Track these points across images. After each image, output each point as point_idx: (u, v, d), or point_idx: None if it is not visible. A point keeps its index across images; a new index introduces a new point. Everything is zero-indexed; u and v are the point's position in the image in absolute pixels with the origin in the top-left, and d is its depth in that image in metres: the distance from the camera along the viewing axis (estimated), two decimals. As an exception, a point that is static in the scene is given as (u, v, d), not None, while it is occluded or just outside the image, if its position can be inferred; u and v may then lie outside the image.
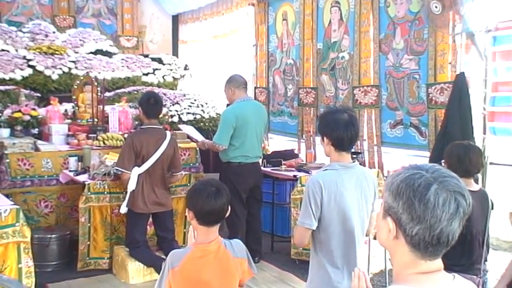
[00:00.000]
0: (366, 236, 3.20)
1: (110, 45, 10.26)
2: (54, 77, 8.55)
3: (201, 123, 7.93)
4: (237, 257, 2.77)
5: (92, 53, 9.70)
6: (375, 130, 6.66)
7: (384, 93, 6.53)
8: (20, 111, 6.62)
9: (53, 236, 5.64)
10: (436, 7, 5.39)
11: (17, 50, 8.88)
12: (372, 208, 3.13)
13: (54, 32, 9.86)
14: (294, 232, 3.08)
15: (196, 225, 2.72)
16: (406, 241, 1.44)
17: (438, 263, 1.47)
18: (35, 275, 4.26)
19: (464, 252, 3.44)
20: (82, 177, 5.71)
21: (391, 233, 1.46)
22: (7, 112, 6.62)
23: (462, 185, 1.42)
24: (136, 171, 5.20)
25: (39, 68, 8.55)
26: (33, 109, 6.82)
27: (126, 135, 6.26)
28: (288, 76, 8.21)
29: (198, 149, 6.74)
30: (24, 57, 8.68)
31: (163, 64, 10.13)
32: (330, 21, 7.31)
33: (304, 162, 6.90)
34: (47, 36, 9.62)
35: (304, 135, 7.84)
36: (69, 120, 7.09)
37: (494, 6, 5.43)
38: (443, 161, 3.71)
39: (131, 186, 5.18)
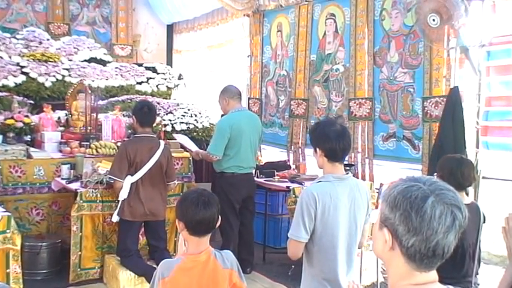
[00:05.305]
0: (359, 248, 3.20)
1: (104, 54, 10.24)
2: (48, 84, 8.52)
3: (195, 133, 7.92)
4: (226, 268, 2.75)
5: (85, 60, 9.67)
6: (367, 143, 6.66)
7: (377, 106, 6.54)
8: (12, 118, 6.60)
9: (44, 244, 5.61)
10: (433, 20, 5.41)
11: (10, 57, 8.84)
12: (365, 220, 3.13)
13: (48, 39, 9.83)
14: (288, 245, 3.07)
15: (187, 235, 2.70)
16: (401, 252, 1.44)
17: (433, 274, 1.47)
18: (23, 281, 4.24)
19: (455, 265, 3.45)
20: (74, 185, 5.67)
21: (387, 244, 1.47)
22: (-1, 119, 6.61)
23: (459, 198, 1.43)
24: (129, 180, 5.18)
25: (32, 75, 8.52)
26: (26, 116, 6.80)
27: (119, 144, 6.23)
28: (280, 87, 8.21)
29: (191, 158, 6.72)
30: (17, 64, 8.64)
31: (157, 73, 10.12)
32: (325, 33, 7.32)
33: (297, 173, 6.90)
34: (41, 43, 9.59)
35: (292, 147, 7.84)
36: (62, 128, 7.06)
37: (489, 21, 5.47)
38: (435, 174, 3.72)
39: (123, 195, 5.16)
